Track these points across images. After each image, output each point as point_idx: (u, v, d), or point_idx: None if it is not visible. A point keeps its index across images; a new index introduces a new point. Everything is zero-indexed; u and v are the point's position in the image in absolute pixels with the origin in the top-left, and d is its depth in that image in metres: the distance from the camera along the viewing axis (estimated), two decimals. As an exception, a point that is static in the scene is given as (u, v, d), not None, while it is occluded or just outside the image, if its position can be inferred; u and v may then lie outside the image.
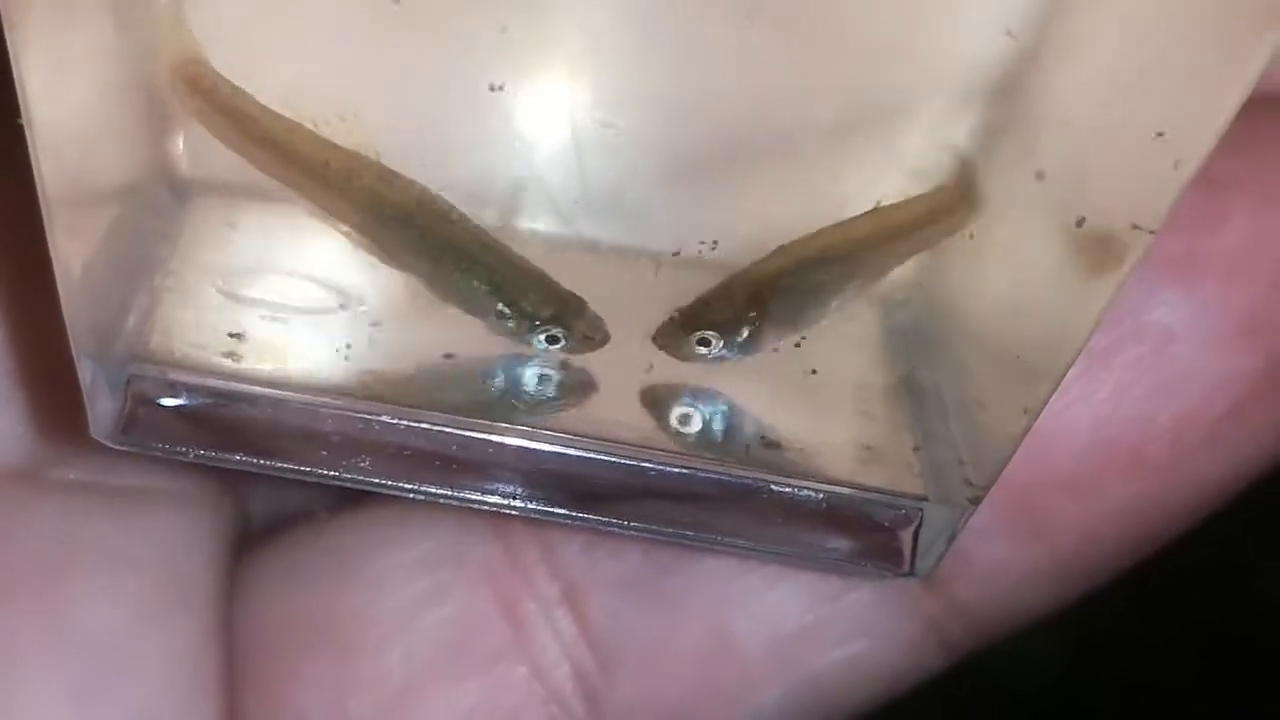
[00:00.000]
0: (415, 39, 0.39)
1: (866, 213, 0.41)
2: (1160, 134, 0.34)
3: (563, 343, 0.40)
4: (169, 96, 0.39)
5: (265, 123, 0.39)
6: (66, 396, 0.40)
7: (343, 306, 0.41)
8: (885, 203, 0.41)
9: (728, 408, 0.41)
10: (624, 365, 0.42)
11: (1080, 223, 0.37)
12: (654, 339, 0.40)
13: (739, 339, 0.40)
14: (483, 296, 0.40)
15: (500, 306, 0.40)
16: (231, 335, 0.40)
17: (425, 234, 0.40)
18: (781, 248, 0.41)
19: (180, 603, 0.43)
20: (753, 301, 0.40)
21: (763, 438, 0.41)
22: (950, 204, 0.40)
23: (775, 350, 0.41)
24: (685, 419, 0.41)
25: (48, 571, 0.41)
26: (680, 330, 0.40)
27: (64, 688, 0.41)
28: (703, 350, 0.40)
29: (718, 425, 0.41)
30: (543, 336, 0.40)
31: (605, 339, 0.40)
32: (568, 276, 0.41)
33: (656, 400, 0.41)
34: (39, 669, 0.40)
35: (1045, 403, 0.37)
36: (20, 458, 0.43)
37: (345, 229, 0.40)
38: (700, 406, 0.41)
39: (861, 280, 0.41)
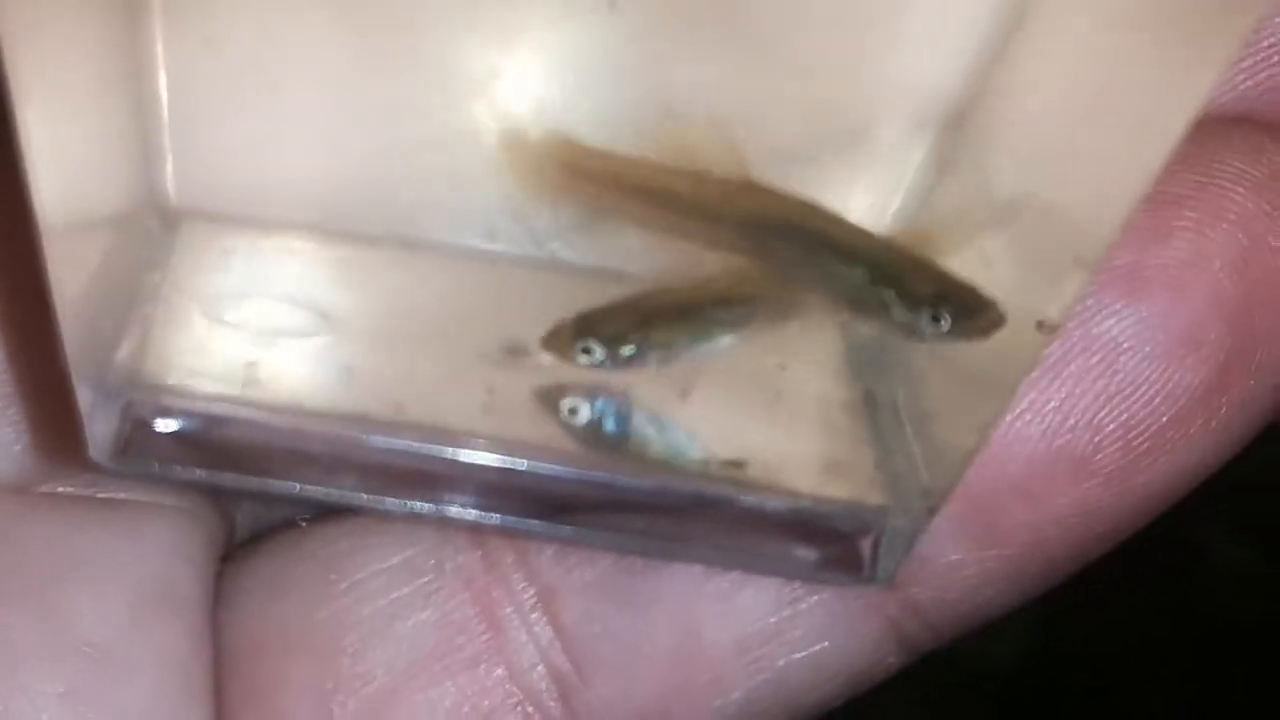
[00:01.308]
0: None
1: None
2: (1107, 159, 0.36)
3: (948, 322, 0.40)
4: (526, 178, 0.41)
5: (633, 173, 0.41)
6: (58, 414, 0.41)
7: (329, 331, 0.42)
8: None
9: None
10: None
11: (1032, 240, 0.39)
12: (542, 340, 0.41)
13: (620, 354, 0.41)
14: (867, 288, 0.40)
15: (886, 294, 0.40)
16: (223, 360, 0.41)
17: (807, 238, 0.41)
18: (699, 282, 0.42)
19: (170, 609, 0.43)
20: (644, 323, 0.41)
21: (727, 453, 0.42)
22: None
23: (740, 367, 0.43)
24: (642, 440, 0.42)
25: (41, 579, 0.42)
26: (569, 333, 0.41)
27: (58, 692, 0.41)
28: (583, 358, 0.41)
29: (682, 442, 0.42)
30: (929, 317, 0.40)
31: (999, 320, 0.39)
32: (544, 300, 0.42)
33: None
34: (34, 674, 0.41)
35: (999, 417, 0.38)
36: (13, 472, 0.43)
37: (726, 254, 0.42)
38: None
39: (757, 325, 0.43)
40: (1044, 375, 0.40)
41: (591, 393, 0.42)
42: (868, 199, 0.43)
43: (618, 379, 0.42)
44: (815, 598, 0.43)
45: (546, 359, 0.42)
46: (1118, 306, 0.40)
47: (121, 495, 0.44)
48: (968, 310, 0.39)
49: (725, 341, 0.42)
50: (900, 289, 0.40)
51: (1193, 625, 0.97)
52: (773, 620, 0.43)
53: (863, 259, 0.41)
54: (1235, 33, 0.32)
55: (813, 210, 0.41)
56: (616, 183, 0.42)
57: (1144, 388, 0.40)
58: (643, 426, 0.42)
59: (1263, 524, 0.95)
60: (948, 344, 0.40)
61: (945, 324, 0.39)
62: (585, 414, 0.42)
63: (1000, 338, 0.39)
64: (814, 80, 0.42)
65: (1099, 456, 0.41)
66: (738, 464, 0.42)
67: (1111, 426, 0.41)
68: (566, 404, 0.42)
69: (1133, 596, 0.92)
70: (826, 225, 0.41)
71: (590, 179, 0.41)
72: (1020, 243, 0.39)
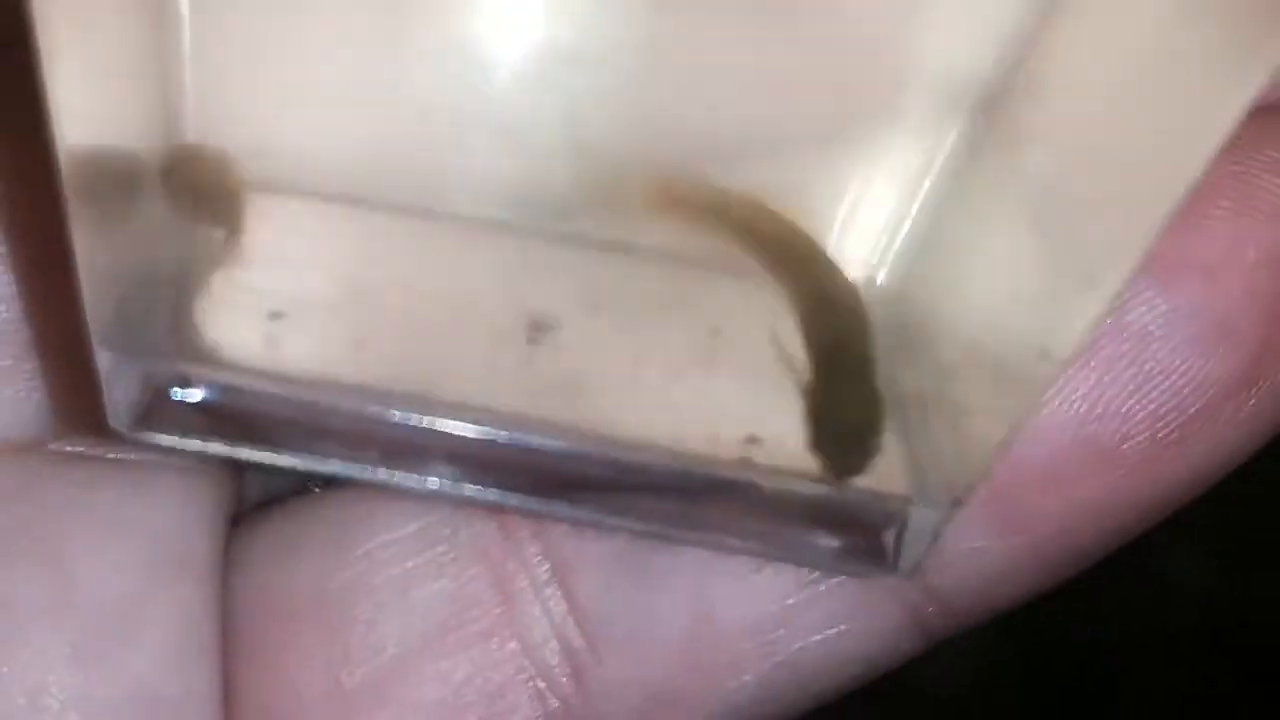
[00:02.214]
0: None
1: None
2: (1147, 159, 0.35)
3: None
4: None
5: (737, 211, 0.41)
6: (74, 373, 0.41)
7: (353, 300, 0.42)
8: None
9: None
10: (612, 361, 0.43)
11: (1065, 236, 0.38)
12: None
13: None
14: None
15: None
16: (243, 328, 0.41)
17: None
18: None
19: (179, 569, 0.43)
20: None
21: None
22: None
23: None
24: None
25: (50, 537, 0.42)
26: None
27: (66, 651, 0.41)
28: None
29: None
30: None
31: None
32: (567, 275, 0.42)
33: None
34: (41, 632, 0.41)
35: (1029, 412, 0.38)
36: (25, 430, 0.43)
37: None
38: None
39: None
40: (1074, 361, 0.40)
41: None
42: (897, 179, 0.43)
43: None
44: (834, 581, 0.43)
45: (567, 337, 0.42)
46: (1149, 294, 0.40)
47: (133, 455, 0.44)
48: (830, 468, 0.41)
49: None
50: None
51: (1151, 638, 0.98)
52: (790, 603, 0.43)
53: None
54: None
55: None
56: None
57: (1173, 378, 0.40)
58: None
59: (1219, 536, 0.95)
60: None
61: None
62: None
63: (1025, 344, 0.39)
64: (846, 58, 0.41)
65: (1126, 446, 0.41)
66: (754, 439, 0.42)
67: (1140, 416, 0.40)
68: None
69: (1091, 610, 0.92)
70: None
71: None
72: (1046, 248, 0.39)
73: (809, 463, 0.41)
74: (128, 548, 0.43)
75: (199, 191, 0.41)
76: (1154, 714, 0.98)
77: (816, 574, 0.43)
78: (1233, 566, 0.97)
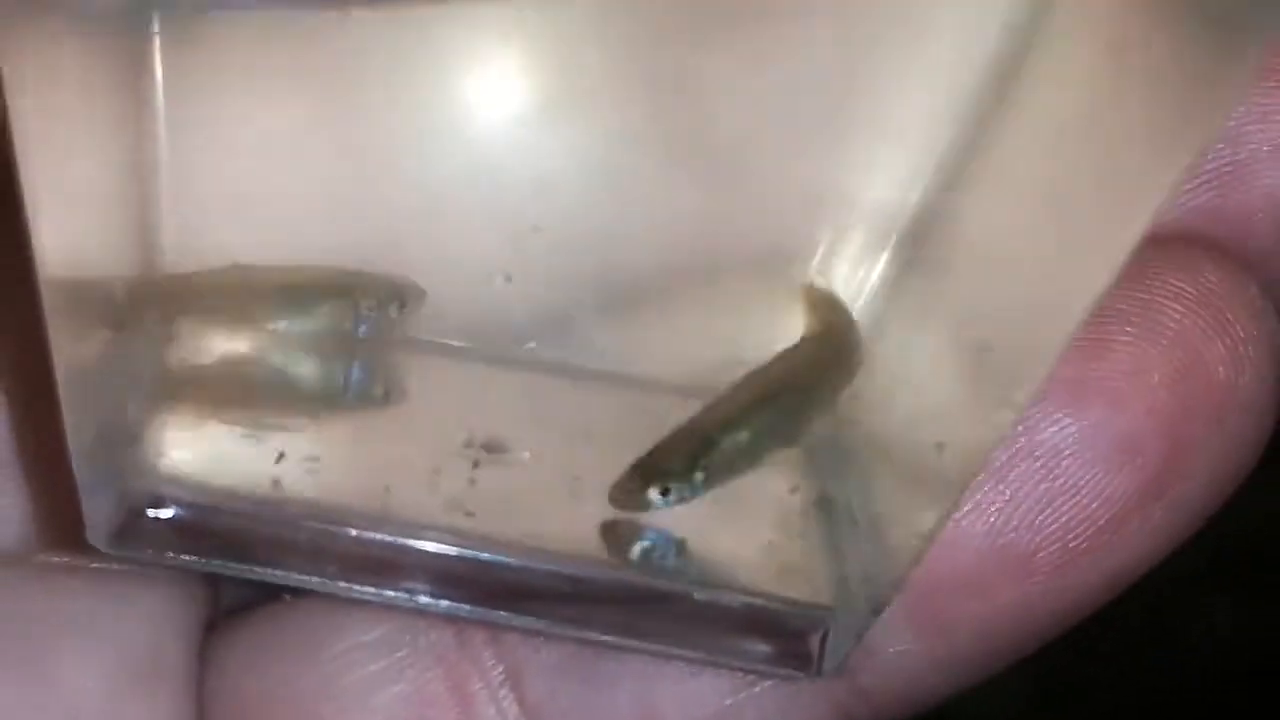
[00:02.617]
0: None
1: (777, 358, 0.44)
2: (1058, 274, 0.38)
3: None
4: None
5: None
6: (56, 492, 0.43)
7: (315, 424, 0.44)
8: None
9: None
10: (553, 476, 0.45)
11: (982, 354, 0.41)
12: (611, 498, 0.43)
13: (691, 486, 0.43)
14: None
15: None
16: (215, 451, 0.43)
17: None
18: (720, 396, 0.44)
19: (156, 677, 0.45)
20: (703, 450, 0.43)
21: (682, 549, 0.44)
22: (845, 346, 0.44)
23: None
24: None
25: (31, 646, 0.44)
26: (638, 484, 0.43)
27: None
28: (658, 500, 0.42)
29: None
30: None
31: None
32: (522, 398, 0.45)
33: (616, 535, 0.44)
34: None
35: (943, 524, 0.40)
36: (13, 542, 0.45)
37: None
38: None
39: (794, 425, 0.45)
40: (990, 478, 0.42)
41: (656, 530, 0.44)
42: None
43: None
44: (769, 683, 0.45)
45: (522, 456, 0.44)
46: (1059, 416, 0.42)
47: (115, 566, 0.46)
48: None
49: (773, 447, 0.45)
50: None
51: (1188, 687, 0.98)
52: (728, 703, 0.45)
53: None
54: (1177, 164, 0.34)
55: None
56: None
57: (1082, 492, 0.42)
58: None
59: (1248, 581, 0.95)
60: None
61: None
62: (651, 551, 0.44)
63: (943, 458, 0.41)
64: (770, 194, 0.44)
65: (1040, 555, 0.43)
66: (695, 556, 0.44)
67: (1052, 528, 0.42)
68: (640, 546, 0.44)
69: (1127, 659, 0.92)
70: None
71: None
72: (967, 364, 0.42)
73: (742, 574, 0.44)
74: (106, 657, 0.44)
75: None
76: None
77: (751, 678, 0.44)
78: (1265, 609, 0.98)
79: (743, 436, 0.43)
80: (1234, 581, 0.96)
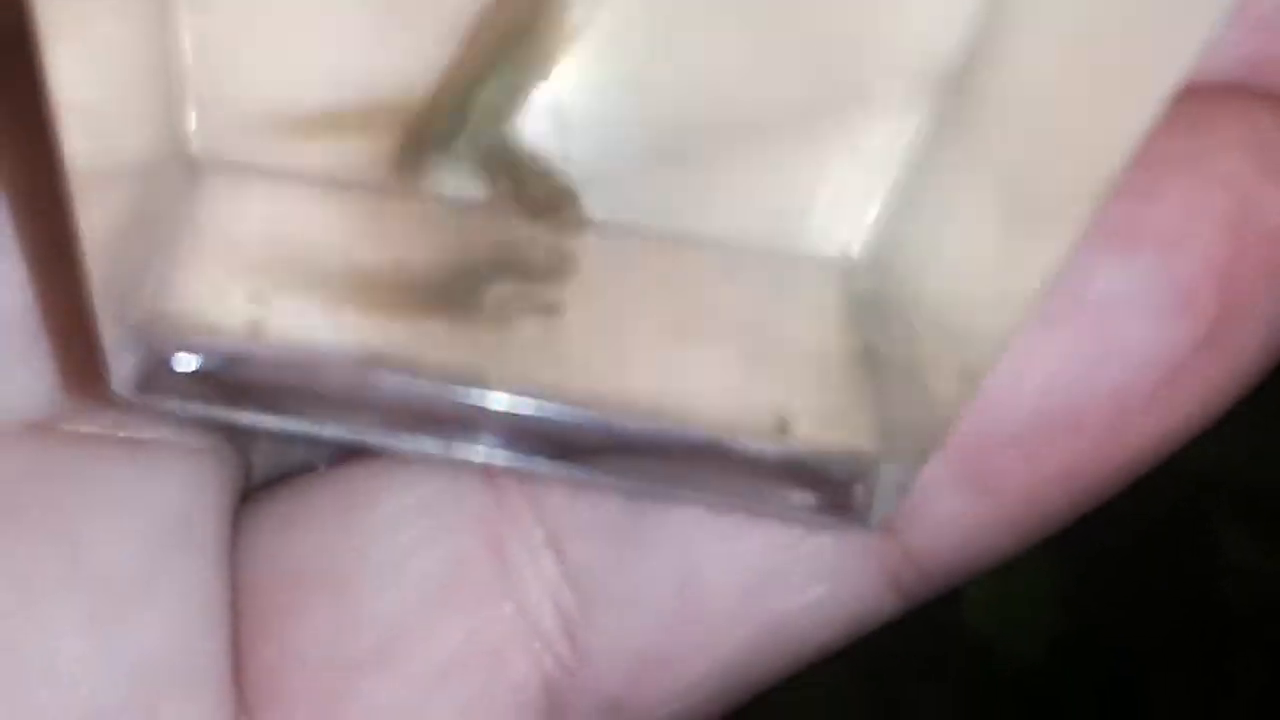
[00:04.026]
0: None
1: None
2: (1099, 120, 0.36)
3: None
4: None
5: None
6: (82, 357, 0.43)
7: (344, 276, 0.44)
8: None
9: None
10: (597, 333, 0.44)
11: (1023, 201, 0.40)
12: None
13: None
14: None
15: None
16: (241, 302, 0.42)
17: None
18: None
19: (188, 544, 0.45)
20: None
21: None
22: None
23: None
24: None
25: (64, 513, 0.43)
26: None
27: (80, 623, 0.43)
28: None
29: None
30: None
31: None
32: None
33: None
34: (57, 605, 0.43)
35: (986, 370, 0.39)
36: (38, 411, 0.45)
37: None
38: None
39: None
40: (1039, 331, 0.41)
41: None
42: (870, 158, 0.44)
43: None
44: (813, 542, 0.44)
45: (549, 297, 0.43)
46: (1110, 264, 0.41)
47: (143, 435, 0.45)
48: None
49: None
50: None
51: (1210, 616, 0.98)
52: (773, 564, 0.44)
53: None
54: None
55: None
56: None
57: (1136, 346, 0.42)
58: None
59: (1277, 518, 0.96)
60: None
61: None
62: None
63: (981, 304, 0.40)
64: (820, 45, 0.43)
65: (1092, 413, 0.42)
66: (782, 426, 0.43)
67: (1104, 383, 0.42)
68: None
69: (1150, 591, 0.92)
70: None
71: None
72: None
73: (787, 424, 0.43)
74: (137, 522, 0.44)
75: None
76: (1216, 695, 0.98)
77: (796, 536, 0.44)
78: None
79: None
80: (1261, 517, 0.97)
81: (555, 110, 0.43)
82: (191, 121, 0.43)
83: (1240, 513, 0.94)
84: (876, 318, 0.45)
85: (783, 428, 0.43)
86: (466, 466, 0.45)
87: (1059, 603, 0.94)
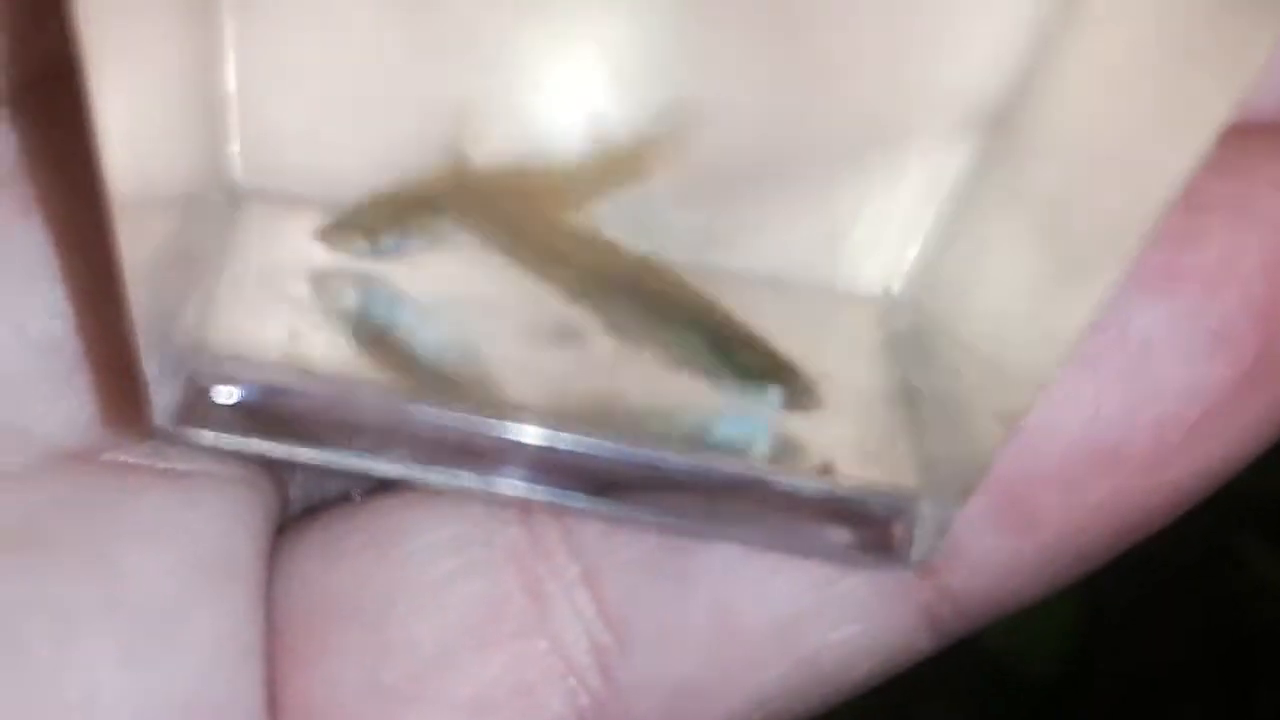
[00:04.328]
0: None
1: None
2: (1143, 161, 0.37)
3: (776, 397, 0.43)
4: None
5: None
6: (122, 388, 0.43)
7: (385, 307, 0.44)
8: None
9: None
10: (639, 366, 0.44)
11: (1064, 241, 0.40)
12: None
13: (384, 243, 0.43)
14: (706, 356, 0.43)
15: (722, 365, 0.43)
16: (282, 333, 0.43)
17: (647, 298, 0.43)
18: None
19: (225, 575, 0.45)
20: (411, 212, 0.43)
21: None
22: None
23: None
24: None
25: (103, 544, 0.43)
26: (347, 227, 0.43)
27: (119, 655, 0.43)
28: (359, 245, 0.43)
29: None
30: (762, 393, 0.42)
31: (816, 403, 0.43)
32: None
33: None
34: (96, 637, 0.43)
35: (1027, 409, 0.39)
36: (79, 441, 0.45)
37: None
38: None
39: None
40: (1080, 370, 0.41)
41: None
42: (912, 195, 0.44)
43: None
44: (849, 581, 0.44)
45: (591, 341, 0.44)
46: (1151, 304, 0.41)
47: (181, 465, 0.45)
48: (792, 390, 0.43)
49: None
50: (731, 361, 0.43)
51: (1230, 635, 0.98)
52: (807, 603, 0.44)
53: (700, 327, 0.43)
54: (1263, 43, 0.33)
55: (656, 272, 0.43)
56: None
57: (1175, 385, 0.42)
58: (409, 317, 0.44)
59: None
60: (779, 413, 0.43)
61: (774, 398, 0.42)
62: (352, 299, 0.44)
63: (1022, 343, 0.40)
64: (864, 82, 0.43)
65: (1132, 449, 0.42)
66: (826, 469, 0.43)
67: (1144, 420, 0.42)
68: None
69: (1170, 607, 0.92)
70: (668, 288, 0.43)
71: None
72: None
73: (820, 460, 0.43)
74: (175, 553, 0.44)
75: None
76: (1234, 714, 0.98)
77: (832, 575, 0.44)
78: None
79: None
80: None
81: (593, 125, 0.43)
82: (234, 151, 0.43)
83: (1264, 527, 0.94)
84: (916, 355, 0.45)
85: (825, 468, 0.43)
86: (501, 500, 0.45)
87: (1076, 622, 0.94)
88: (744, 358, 0.43)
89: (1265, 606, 0.96)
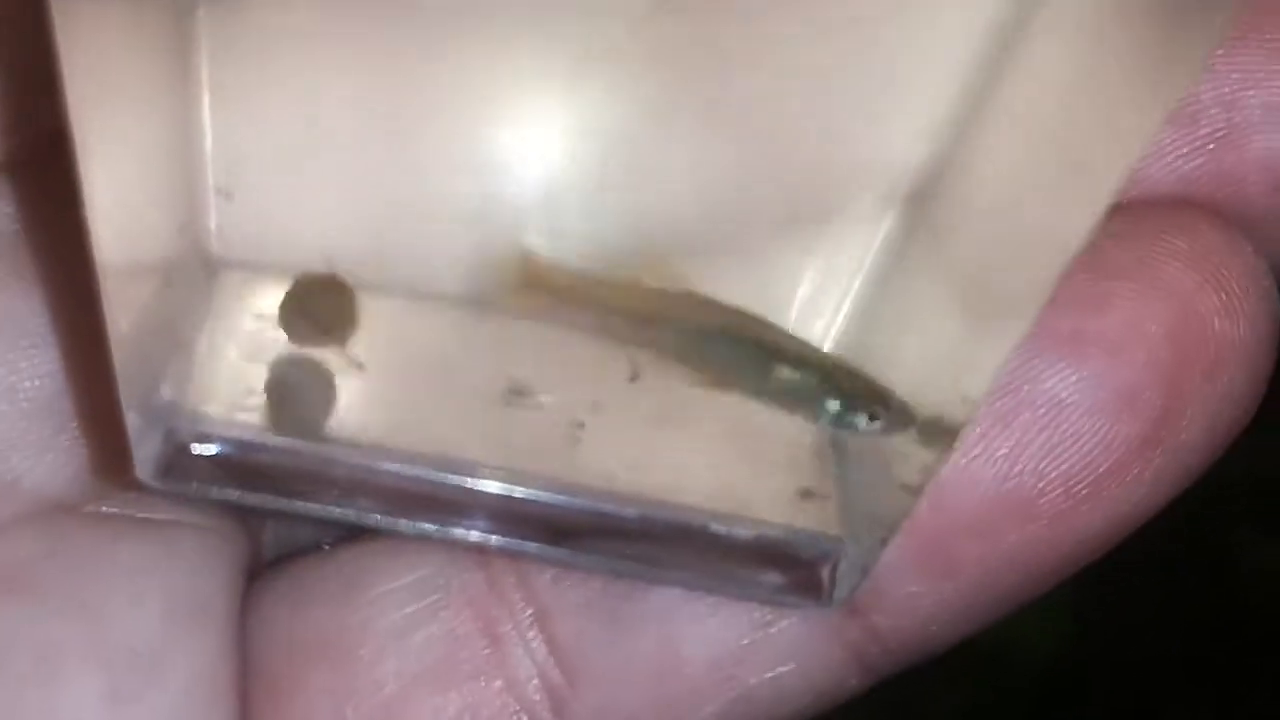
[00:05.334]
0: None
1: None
2: (1047, 229, 0.39)
3: (880, 422, 0.45)
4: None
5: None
6: (107, 443, 0.45)
7: (352, 368, 0.47)
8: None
9: None
10: (575, 418, 0.47)
11: (979, 304, 0.42)
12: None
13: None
14: (812, 391, 0.45)
15: (829, 400, 0.45)
16: (255, 393, 0.46)
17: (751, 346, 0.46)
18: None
19: (200, 619, 0.47)
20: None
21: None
22: None
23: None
24: None
25: (85, 588, 0.46)
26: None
27: (99, 692, 0.45)
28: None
29: None
30: (868, 417, 0.45)
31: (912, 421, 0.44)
32: (542, 347, 0.47)
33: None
34: (79, 677, 0.45)
35: (944, 461, 0.42)
36: (64, 493, 0.47)
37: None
38: None
39: None
40: (994, 425, 0.44)
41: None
42: (842, 263, 0.47)
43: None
44: (784, 623, 0.47)
45: (544, 399, 0.46)
46: (1061, 366, 0.44)
47: (160, 515, 0.48)
48: (896, 414, 0.44)
49: None
50: (843, 394, 0.45)
51: (1224, 623, 0.99)
52: (744, 642, 0.47)
53: (811, 366, 0.46)
54: (1158, 110, 0.36)
55: (752, 319, 0.46)
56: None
57: (1084, 440, 0.44)
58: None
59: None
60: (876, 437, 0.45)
61: (879, 424, 0.44)
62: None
63: (940, 399, 0.43)
64: (790, 160, 0.46)
65: (1043, 500, 0.45)
66: (807, 493, 0.47)
67: (1054, 474, 0.44)
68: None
69: (1164, 596, 0.93)
70: (766, 333, 0.46)
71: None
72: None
73: (756, 508, 0.46)
74: (154, 596, 0.46)
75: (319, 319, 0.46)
76: (1229, 705, 0.99)
77: (768, 617, 0.47)
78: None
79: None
80: (1275, 522, 0.97)
81: (550, 210, 0.46)
82: (212, 224, 0.46)
83: (1258, 515, 0.94)
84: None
85: (806, 491, 0.46)
86: (462, 547, 0.47)
87: (1072, 611, 0.93)
88: (850, 387, 0.45)
89: (1259, 593, 0.97)
